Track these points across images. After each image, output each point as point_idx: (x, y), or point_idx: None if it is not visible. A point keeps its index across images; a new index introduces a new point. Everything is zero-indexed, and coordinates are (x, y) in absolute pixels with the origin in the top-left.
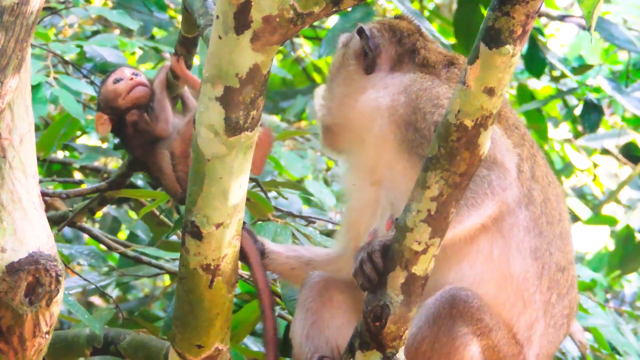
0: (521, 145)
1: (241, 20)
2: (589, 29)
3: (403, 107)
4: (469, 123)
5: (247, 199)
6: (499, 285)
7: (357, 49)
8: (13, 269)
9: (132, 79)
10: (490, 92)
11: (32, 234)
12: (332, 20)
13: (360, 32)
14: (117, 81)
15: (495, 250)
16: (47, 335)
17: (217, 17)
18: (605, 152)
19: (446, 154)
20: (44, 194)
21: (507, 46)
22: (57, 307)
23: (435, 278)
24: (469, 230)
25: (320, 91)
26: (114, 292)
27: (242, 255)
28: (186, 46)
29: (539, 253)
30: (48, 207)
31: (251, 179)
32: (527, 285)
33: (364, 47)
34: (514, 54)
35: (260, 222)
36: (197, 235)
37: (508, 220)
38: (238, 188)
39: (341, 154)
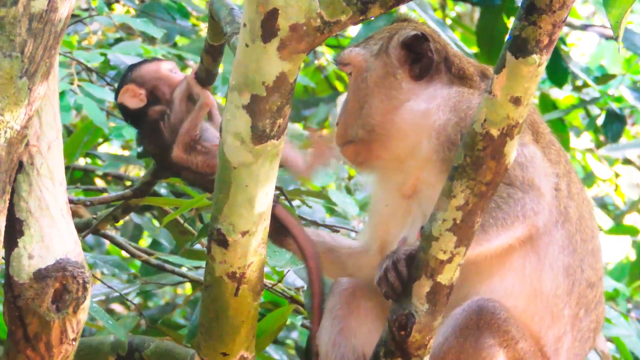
0: (558, 162)
1: (268, 29)
2: (616, 39)
3: (452, 127)
4: (495, 132)
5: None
6: (528, 300)
7: (401, 55)
8: (40, 275)
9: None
10: (516, 101)
11: (60, 241)
12: (354, 29)
13: (421, 37)
14: (172, 71)
15: (528, 267)
16: (73, 342)
17: (244, 25)
18: (627, 162)
19: (472, 163)
20: (68, 201)
21: (534, 55)
22: (84, 314)
23: (465, 290)
24: (496, 249)
25: (339, 110)
26: (135, 300)
27: (279, 225)
28: (212, 54)
29: (571, 270)
30: (72, 214)
31: (275, 188)
32: (557, 301)
33: (415, 53)
34: (541, 63)
35: None
36: (223, 243)
37: (544, 239)
38: (264, 196)
39: (370, 169)
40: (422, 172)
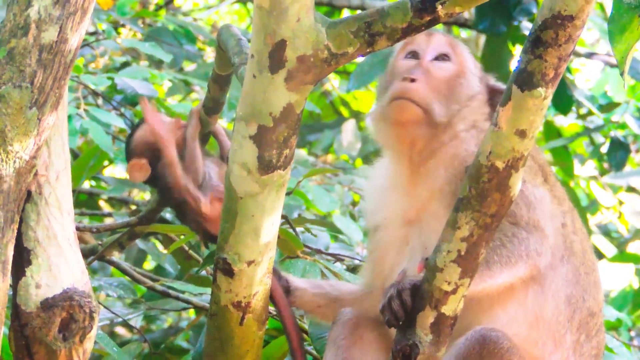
0: (564, 199)
1: (276, 60)
2: (622, 74)
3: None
4: (500, 165)
5: (277, 236)
6: (530, 327)
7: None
8: (47, 304)
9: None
10: (521, 134)
11: (67, 270)
12: None
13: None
14: (162, 124)
15: (531, 297)
16: None
17: (252, 56)
18: (631, 189)
19: (477, 195)
20: None
21: (539, 89)
22: (90, 343)
23: (467, 320)
24: (499, 286)
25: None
26: (138, 322)
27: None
28: (219, 83)
29: (574, 300)
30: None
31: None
32: (559, 327)
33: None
34: (546, 96)
35: (289, 260)
36: (229, 272)
37: (549, 274)
38: (270, 226)
39: (405, 138)
40: (431, 202)
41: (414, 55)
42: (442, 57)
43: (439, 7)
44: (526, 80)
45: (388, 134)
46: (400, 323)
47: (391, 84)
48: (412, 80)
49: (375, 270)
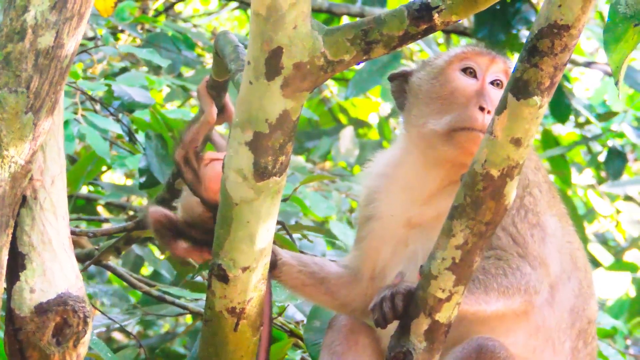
0: (567, 215)
1: (272, 67)
2: (616, 84)
3: None
4: (495, 173)
5: (273, 242)
6: (530, 335)
7: None
8: (41, 309)
9: None
10: (517, 142)
11: (61, 275)
12: None
13: None
14: None
15: (535, 312)
16: None
17: (249, 62)
18: (628, 198)
19: (472, 202)
20: (71, 233)
21: (535, 97)
22: (84, 347)
23: (465, 329)
24: (491, 313)
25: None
26: (135, 328)
27: None
28: (216, 90)
29: (576, 310)
30: (74, 245)
31: (277, 222)
32: (560, 334)
33: None
34: (542, 105)
35: None
36: (224, 278)
37: (556, 294)
38: (265, 232)
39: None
40: (444, 213)
41: (472, 73)
42: (496, 82)
43: (436, 16)
44: (522, 89)
45: (440, 152)
46: (388, 325)
47: (451, 101)
48: (488, 112)
49: (365, 259)
